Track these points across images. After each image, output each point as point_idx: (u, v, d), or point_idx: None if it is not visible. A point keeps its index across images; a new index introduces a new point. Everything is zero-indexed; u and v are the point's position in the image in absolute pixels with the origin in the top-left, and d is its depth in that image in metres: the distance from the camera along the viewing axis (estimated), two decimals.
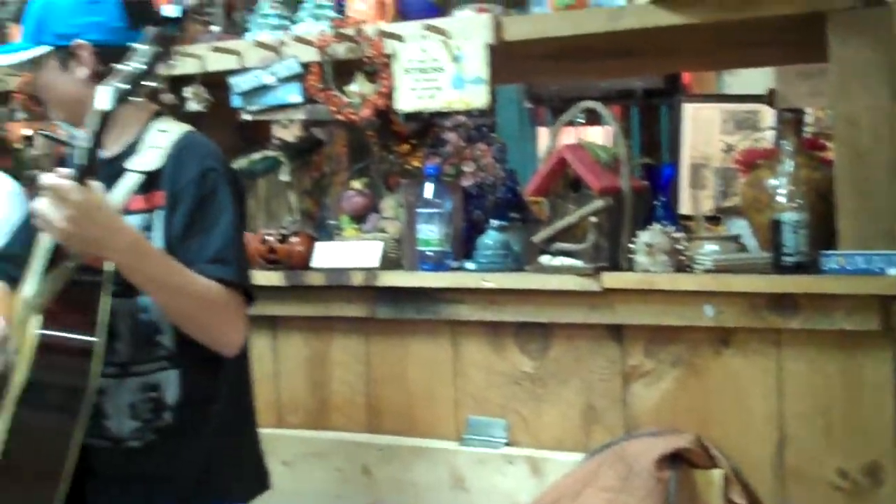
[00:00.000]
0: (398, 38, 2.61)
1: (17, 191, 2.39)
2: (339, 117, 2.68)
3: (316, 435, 2.75)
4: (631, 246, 2.38)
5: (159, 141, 1.88)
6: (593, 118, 2.58)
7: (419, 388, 2.69)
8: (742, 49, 2.75)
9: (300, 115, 2.77)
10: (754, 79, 3.88)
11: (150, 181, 1.84)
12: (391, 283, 2.63)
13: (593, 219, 2.39)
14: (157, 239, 1.84)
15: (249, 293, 1.88)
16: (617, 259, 2.41)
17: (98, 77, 1.84)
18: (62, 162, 1.88)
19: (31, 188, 2.51)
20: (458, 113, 2.71)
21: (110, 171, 1.84)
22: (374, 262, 2.66)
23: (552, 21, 2.48)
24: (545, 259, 2.47)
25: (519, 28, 2.51)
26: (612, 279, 2.37)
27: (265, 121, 2.85)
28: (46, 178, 1.62)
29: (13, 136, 3.14)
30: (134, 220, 1.83)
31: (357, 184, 2.89)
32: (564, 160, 2.45)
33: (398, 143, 2.83)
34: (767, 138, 3.18)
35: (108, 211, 1.69)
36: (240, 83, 2.74)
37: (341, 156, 3.25)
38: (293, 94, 2.72)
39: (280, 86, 2.72)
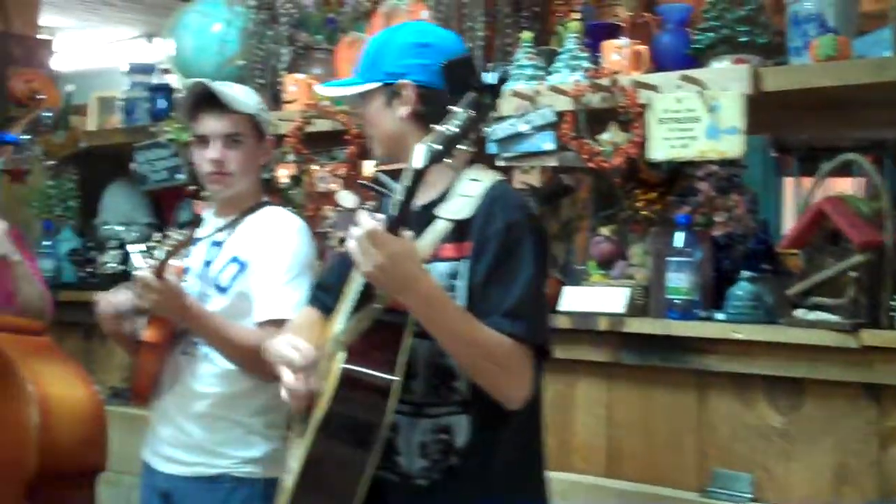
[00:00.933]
0: (653, 88, 2.62)
1: (304, 226, 2.56)
2: (590, 165, 2.71)
3: (555, 476, 2.71)
4: (893, 303, 2.30)
5: (470, 190, 1.90)
6: (843, 169, 2.51)
7: (661, 435, 2.67)
8: None
9: (552, 162, 2.81)
10: None
11: (461, 230, 1.86)
12: (637, 330, 2.63)
13: (853, 273, 2.32)
14: (462, 287, 1.86)
15: (544, 348, 1.88)
16: (877, 316, 2.33)
17: (416, 116, 1.92)
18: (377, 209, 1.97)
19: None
20: (710, 162, 2.70)
21: (422, 218, 1.88)
22: (621, 307, 2.67)
23: (814, 72, 2.43)
24: (800, 313, 2.42)
25: (778, 79, 2.48)
26: (871, 337, 2.29)
27: (515, 167, 2.93)
28: (364, 222, 1.68)
29: (280, 177, 3.32)
30: (443, 268, 1.87)
31: (605, 230, 2.91)
32: (823, 212, 2.39)
33: (645, 191, 2.82)
34: None
35: (413, 260, 1.72)
36: (496, 131, 2.81)
37: (586, 201, 3.27)
38: (547, 142, 2.77)
39: (534, 134, 2.78)
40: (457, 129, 1.65)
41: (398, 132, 1.95)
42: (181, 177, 3.48)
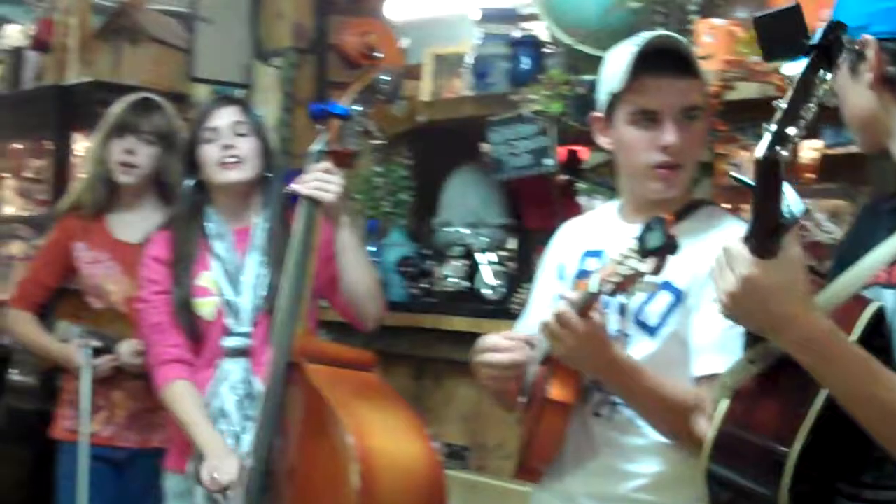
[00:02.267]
0: None
1: None
2: None
3: None
4: None
5: None
6: None
7: None
8: None
9: None
10: None
11: None
12: None
13: None
14: None
15: None
16: None
17: (886, 83, 1.76)
18: None
19: None
20: None
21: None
22: None
23: None
24: None
25: None
26: None
27: None
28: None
29: None
30: (890, 297, 1.73)
31: None
32: None
33: None
34: None
35: (784, 289, 1.62)
36: None
37: None
38: None
39: None
40: (785, 105, 1.58)
41: (866, 109, 1.81)
42: (550, 162, 3.37)
